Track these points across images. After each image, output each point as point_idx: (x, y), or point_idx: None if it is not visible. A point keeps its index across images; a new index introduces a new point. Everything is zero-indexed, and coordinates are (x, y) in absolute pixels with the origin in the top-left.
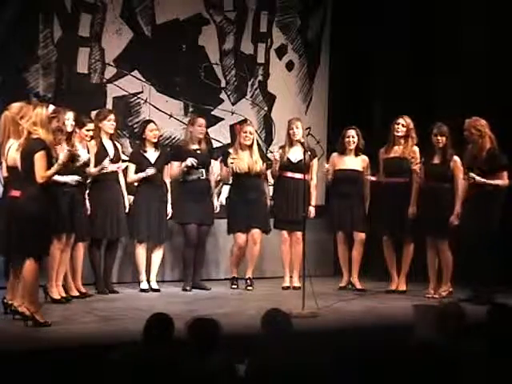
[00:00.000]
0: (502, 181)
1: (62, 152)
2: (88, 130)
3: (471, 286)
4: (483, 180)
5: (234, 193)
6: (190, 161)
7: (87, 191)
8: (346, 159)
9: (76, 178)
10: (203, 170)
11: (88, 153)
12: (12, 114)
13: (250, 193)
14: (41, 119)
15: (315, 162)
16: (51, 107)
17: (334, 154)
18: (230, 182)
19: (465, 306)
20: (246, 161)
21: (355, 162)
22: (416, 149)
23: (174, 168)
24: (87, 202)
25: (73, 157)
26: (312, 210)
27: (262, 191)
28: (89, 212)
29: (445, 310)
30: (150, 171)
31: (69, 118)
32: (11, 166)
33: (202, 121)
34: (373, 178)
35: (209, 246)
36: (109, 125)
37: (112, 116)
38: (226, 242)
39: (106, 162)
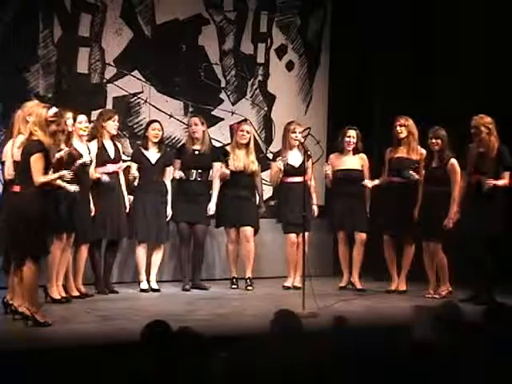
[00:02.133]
0: (506, 181)
1: (60, 153)
2: (80, 123)
3: (471, 286)
4: (497, 182)
5: (227, 188)
6: (179, 174)
7: (90, 192)
8: (345, 159)
9: (75, 188)
10: (194, 172)
11: (89, 153)
12: (24, 114)
13: (242, 191)
14: (39, 121)
15: (311, 161)
16: (52, 110)
17: (332, 155)
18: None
19: (465, 306)
20: (242, 160)
21: (354, 162)
22: (424, 151)
23: (175, 166)
24: (91, 203)
25: (72, 158)
26: (315, 208)
27: (255, 191)
28: (93, 213)
29: (442, 310)
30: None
31: (69, 117)
32: (17, 160)
33: (193, 120)
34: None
35: (208, 246)
36: (113, 125)
37: (116, 116)
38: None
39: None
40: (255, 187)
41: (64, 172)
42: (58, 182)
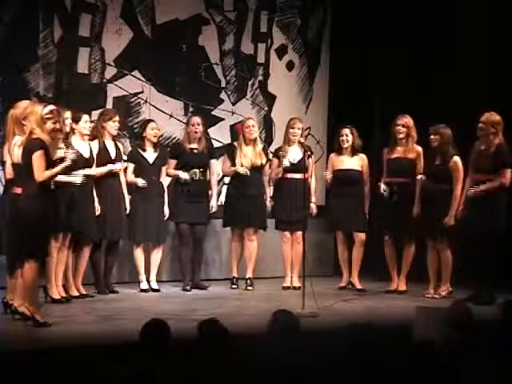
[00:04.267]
0: (504, 179)
1: (61, 151)
2: (85, 122)
3: (471, 286)
4: (484, 188)
5: (234, 187)
6: (184, 176)
7: (94, 191)
8: (344, 159)
9: (80, 178)
10: (197, 171)
11: (90, 151)
12: (16, 114)
13: (249, 188)
14: (37, 119)
15: (311, 160)
16: (48, 108)
17: (332, 155)
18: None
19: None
20: (249, 156)
21: (353, 162)
22: (420, 149)
23: (169, 166)
24: (96, 202)
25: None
26: (314, 207)
27: (262, 187)
28: (98, 212)
29: (454, 308)
30: (141, 182)
31: (67, 117)
32: (16, 162)
33: (196, 119)
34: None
35: (209, 245)
36: (113, 126)
37: (117, 117)
38: (226, 241)
39: (118, 165)
40: (263, 184)
41: (67, 162)
42: (62, 178)
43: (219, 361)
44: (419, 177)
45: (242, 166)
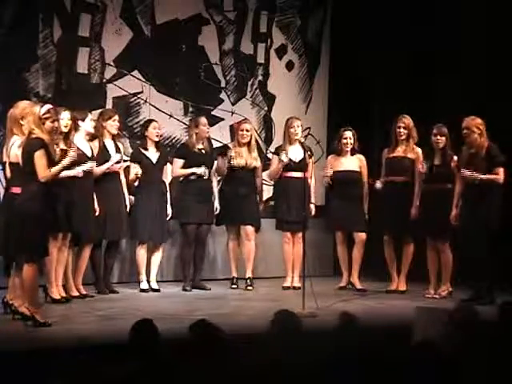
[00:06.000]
0: (498, 176)
1: (63, 153)
2: (91, 120)
3: (472, 286)
4: (480, 176)
5: (227, 185)
6: (203, 170)
7: (94, 192)
8: (343, 160)
9: (82, 168)
10: (206, 171)
11: (92, 152)
12: (15, 114)
13: (242, 188)
14: (34, 119)
15: (312, 160)
16: (45, 108)
17: (330, 157)
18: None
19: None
20: (243, 156)
21: (352, 163)
22: (419, 150)
23: (177, 166)
24: (95, 202)
25: (76, 159)
26: (312, 207)
27: (255, 188)
28: (97, 213)
29: (459, 309)
30: (136, 170)
31: (64, 117)
32: (14, 161)
33: (205, 120)
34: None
35: (208, 245)
36: (113, 125)
37: (116, 116)
38: (226, 241)
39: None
40: (255, 185)
41: (70, 157)
42: (66, 173)
43: (215, 361)
44: (420, 166)
45: (238, 164)
